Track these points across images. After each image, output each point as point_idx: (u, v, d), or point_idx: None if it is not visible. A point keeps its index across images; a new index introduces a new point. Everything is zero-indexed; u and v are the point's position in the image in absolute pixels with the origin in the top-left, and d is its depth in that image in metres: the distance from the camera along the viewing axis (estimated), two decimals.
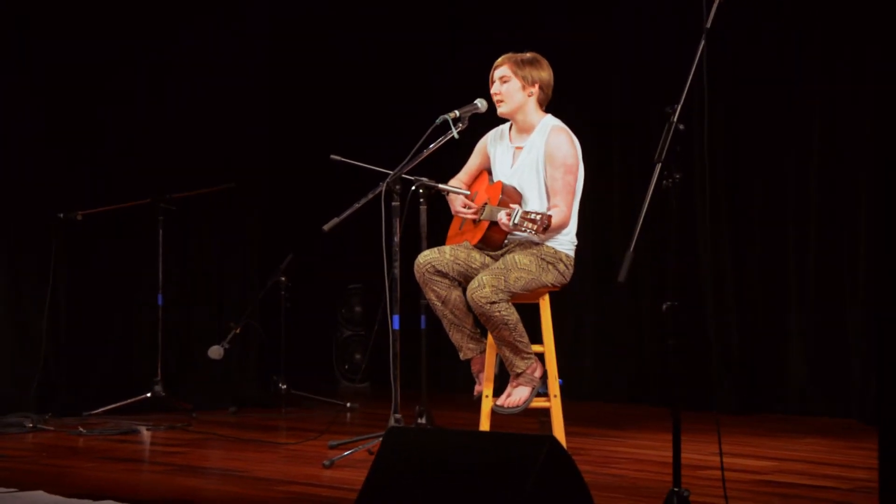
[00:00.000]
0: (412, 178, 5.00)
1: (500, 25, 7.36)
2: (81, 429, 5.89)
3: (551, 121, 4.99)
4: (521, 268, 4.74)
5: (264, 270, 7.22)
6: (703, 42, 3.33)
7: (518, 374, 4.83)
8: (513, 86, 4.95)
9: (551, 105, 5.05)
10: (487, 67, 5.04)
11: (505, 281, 4.68)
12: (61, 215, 6.56)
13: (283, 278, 6.89)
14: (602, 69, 7.12)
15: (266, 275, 7.09)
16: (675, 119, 3.32)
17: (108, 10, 6.89)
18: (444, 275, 4.84)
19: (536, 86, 4.96)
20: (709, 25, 3.35)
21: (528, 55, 5.00)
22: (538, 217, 4.46)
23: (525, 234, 4.68)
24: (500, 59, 5.01)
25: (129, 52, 7.00)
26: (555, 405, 4.82)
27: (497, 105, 5.00)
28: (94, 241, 6.85)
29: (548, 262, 4.82)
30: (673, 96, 3.36)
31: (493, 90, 5.00)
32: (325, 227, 4.93)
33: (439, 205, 5.28)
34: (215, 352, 6.59)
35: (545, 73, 4.98)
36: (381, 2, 8.05)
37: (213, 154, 7.21)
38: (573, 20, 7.19)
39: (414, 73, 7.92)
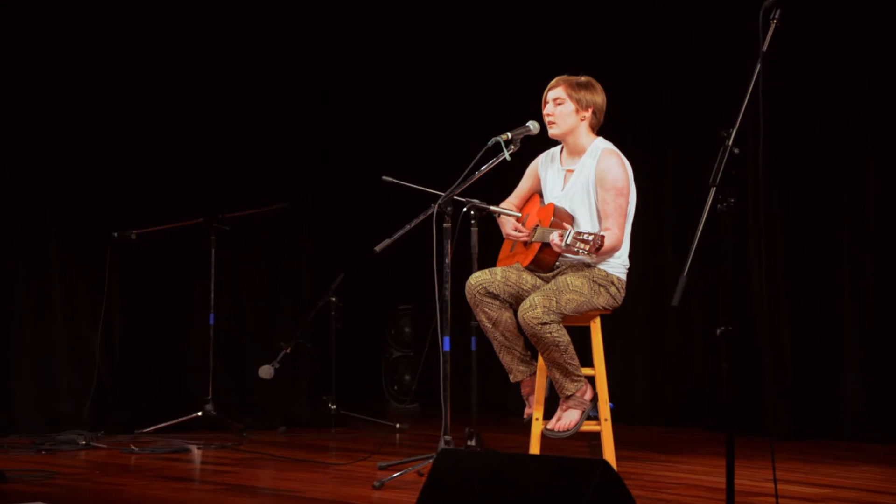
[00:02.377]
0: (464, 199, 5.00)
1: (555, 49, 7.37)
2: (133, 447, 5.94)
3: (602, 143, 4.98)
4: (572, 290, 4.72)
5: (316, 290, 7.25)
6: (758, 66, 3.31)
7: (568, 397, 4.81)
8: (566, 108, 4.95)
9: (604, 127, 5.04)
10: (541, 88, 5.04)
11: (557, 302, 4.67)
12: (116, 234, 6.63)
13: (333, 298, 6.92)
14: (655, 90, 7.09)
15: (317, 295, 7.12)
16: (731, 143, 3.30)
17: (161, 32, 6.97)
18: (495, 296, 4.84)
19: (590, 110, 4.96)
20: (765, 49, 3.33)
21: (584, 79, 5.00)
22: (591, 238, 4.45)
23: (578, 256, 4.65)
24: (554, 81, 5.01)
25: (182, 72, 7.08)
26: (605, 429, 4.79)
27: (549, 126, 4.99)
28: (148, 260, 6.92)
29: (599, 285, 4.81)
30: (727, 119, 3.35)
31: (545, 111, 5.00)
32: (377, 248, 4.94)
33: (491, 227, 5.28)
34: (266, 371, 6.62)
35: (599, 98, 4.98)
36: (433, 23, 8.08)
37: (265, 174, 7.26)
38: (625, 40, 7.18)
39: (468, 95, 7.94)
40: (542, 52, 7.44)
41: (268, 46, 7.32)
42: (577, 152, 5.00)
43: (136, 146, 6.97)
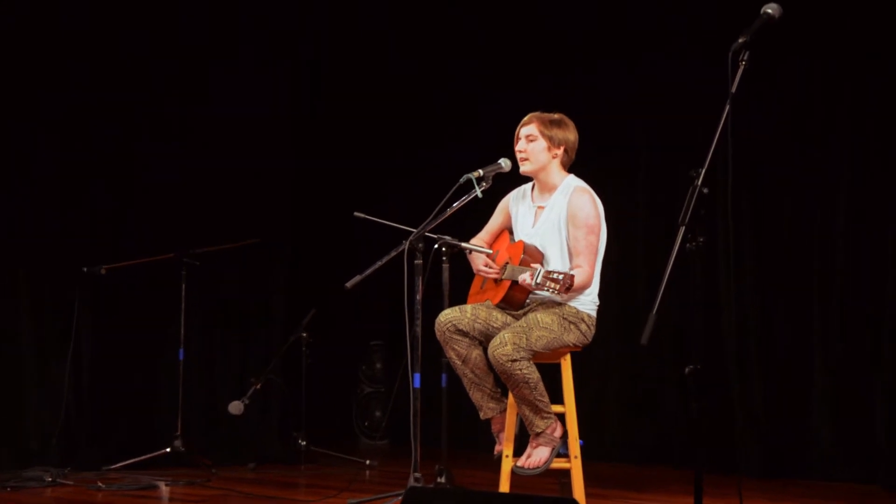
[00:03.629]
0: (435, 236, 5.02)
1: (525, 82, 7.41)
2: (100, 483, 5.88)
3: (574, 181, 5.00)
4: (542, 326, 4.73)
5: (287, 326, 7.24)
6: (727, 107, 3.34)
7: (538, 434, 4.80)
8: (538, 145, 4.98)
9: (576, 163, 5.06)
10: (514, 122, 5.06)
11: (527, 339, 4.67)
12: (85, 269, 6.58)
13: (304, 334, 6.90)
14: (627, 128, 7.12)
15: (289, 330, 7.10)
16: (700, 182, 3.32)
17: (133, 65, 6.97)
18: (464, 334, 4.84)
19: (562, 148, 4.98)
20: (734, 90, 3.36)
21: (556, 116, 5.03)
22: (561, 277, 4.45)
23: (547, 294, 4.66)
24: (527, 118, 5.04)
25: (154, 107, 7.08)
26: (575, 466, 4.79)
27: (521, 163, 5.02)
28: (118, 295, 6.87)
29: (570, 322, 4.82)
30: (700, 157, 3.37)
31: (517, 147, 5.02)
32: (348, 284, 4.94)
33: (461, 263, 5.29)
34: (235, 407, 6.58)
35: (571, 136, 5.01)
36: (404, 60, 8.11)
37: (237, 210, 7.25)
38: (600, 76, 7.21)
39: (437, 132, 7.96)
40: (514, 85, 7.46)
41: (240, 79, 7.34)
42: (548, 189, 5.03)
43: (107, 180, 6.94)
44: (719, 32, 4.79)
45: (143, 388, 7.00)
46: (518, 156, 5.02)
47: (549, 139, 4.97)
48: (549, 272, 4.48)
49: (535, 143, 4.98)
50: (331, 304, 7.44)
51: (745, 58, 3.38)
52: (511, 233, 5.17)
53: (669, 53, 6.88)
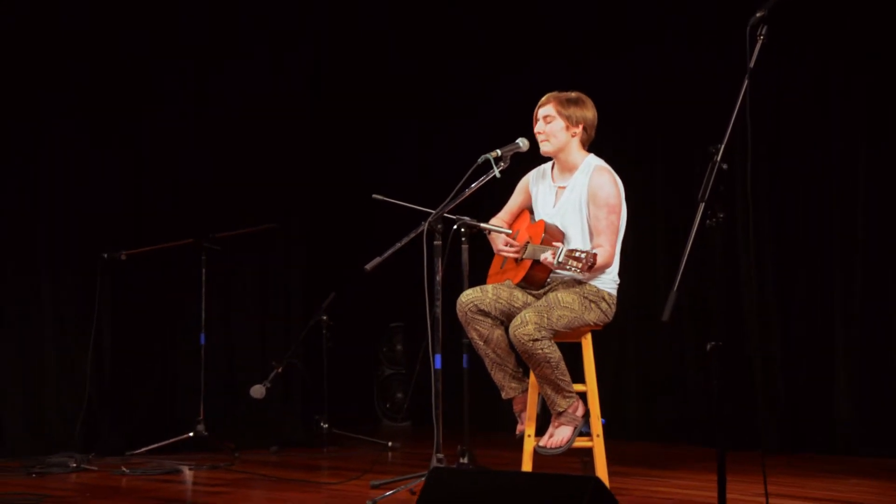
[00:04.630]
0: (454, 217, 5.01)
1: (543, 62, 7.41)
2: (125, 468, 5.92)
3: (594, 160, 5.00)
4: (563, 306, 4.74)
5: (307, 309, 7.26)
6: (746, 81, 3.33)
7: (560, 414, 4.81)
8: (556, 125, 4.97)
9: (594, 142, 5.05)
10: (532, 103, 5.06)
11: (548, 318, 4.67)
12: (105, 255, 6.61)
13: (324, 317, 6.92)
14: (646, 105, 7.11)
15: (308, 314, 7.12)
16: (719, 158, 3.31)
17: (151, 48, 6.99)
18: (486, 314, 4.84)
19: (580, 126, 4.97)
20: (752, 65, 3.35)
21: (574, 94, 5.01)
22: (583, 255, 4.44)
23: (569, 273, 4.64)
24: (544, 98, 5.03)
25: (173, 91, 7.10)
26: (598, 445, 4.79)
27: (540, 144, 5.01)
28: (138, 280, 6.90)
29: (591, 301, 4.82)
30: (717, 134, 3.36)
31: (536, 129, 5.01)
32: (367, 267, 4.94)
33: (481, 243, 5.30)
34: (257, 391, 6.61)
35: (589, 114, 5.00)
36: (423, 43, 8.11)
37: (256, 194, 7.27)
38: (618, 55, 7.20)
39: (457, 112, 7.96)
40: (533, 67, 7.45)
41: (256, 64, 7.35)
42: (568, 169, 5.02)
43: (126, 165, 6.97)
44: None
45: (165, 373, 7.05)
46: (538, 137, 5.01)
47: (567, 118, 4.95)
48: (572, 251, 4.47)
49: (553, 124, 4.97)
50: (350, 287, 7.46)
51: (763, 32, 3.37)
52: (531, 212, 5.16)
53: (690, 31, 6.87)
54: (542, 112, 5.00)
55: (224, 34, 7.27)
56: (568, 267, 4.47)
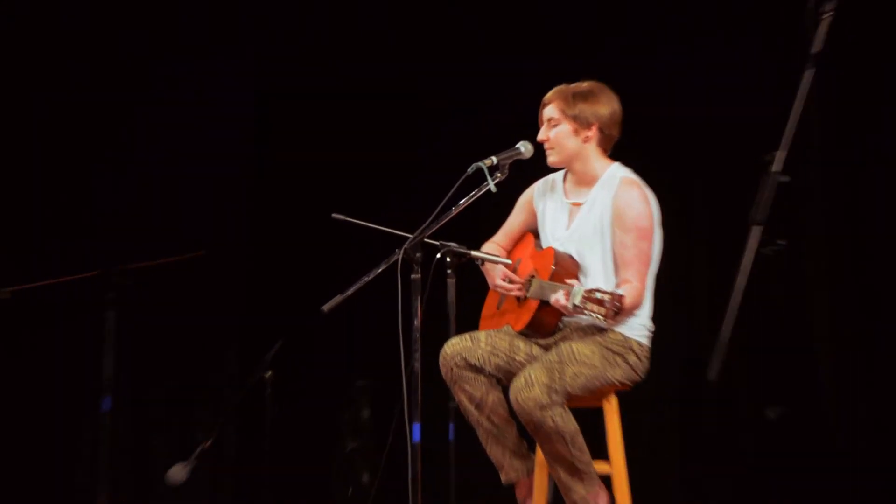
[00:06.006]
0: (437, 242, 5.04)
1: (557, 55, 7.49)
2: None
3: (619, 170, 4.99)
4: (580, 361, 4.73)
5: (245, 363, 7.27)
6: (806, 71, 3.36)
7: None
8: (563, 130, 4.97)
9: (617, 148, 5.07)
10: (536, 102, 5.10)
11: (560, 378, 4.66)
12: None
13: (269, 373, 6.92)
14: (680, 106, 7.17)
15: (248, 368, 7.13)
16: (777, 169, 3.35)
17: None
18: (478, 370, 4.84)
19: (594, 127, 4.96)
20: (816, 50, 3.38)
21: (585, 86, 4.99)
22: (607, 297, 4.41)
23: (588, 319, 4.63)
24: (548, 94, 5.03)
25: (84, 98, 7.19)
26: None
27: (547, 154, 5.02)
28: (27, 324, 6.91)
29: (615, 353, 4.82)
30: (773, 139, 3.40)
31: (539, 136, 5.01)
32: (325, 308, 4.96)
33: (472, 276, 5.32)
34: (177, 473, 6.59)
35: (604, 109, 4.97)
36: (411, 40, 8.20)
37: (179, 215, 7.29)
38: (643, 52, 7.26)
39: (440, 109, 8.00)
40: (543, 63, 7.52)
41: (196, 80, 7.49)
42: (586, 181, 5.02)
43: (13, 183, 7.00)
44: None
45: (59, 446, 7.03)
46: (544, 146, 5.04)
47: (574, 119, 4.94)
48: (591, 291, 4.45)
49: (558, 129, 4.97)
50: (303, 334, 7.47)
51: (828, 9, 3.39)
52: (536, 236, 5.19)
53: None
54: (545, 114, 5.00)
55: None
56: (587, 313, 4.46)
